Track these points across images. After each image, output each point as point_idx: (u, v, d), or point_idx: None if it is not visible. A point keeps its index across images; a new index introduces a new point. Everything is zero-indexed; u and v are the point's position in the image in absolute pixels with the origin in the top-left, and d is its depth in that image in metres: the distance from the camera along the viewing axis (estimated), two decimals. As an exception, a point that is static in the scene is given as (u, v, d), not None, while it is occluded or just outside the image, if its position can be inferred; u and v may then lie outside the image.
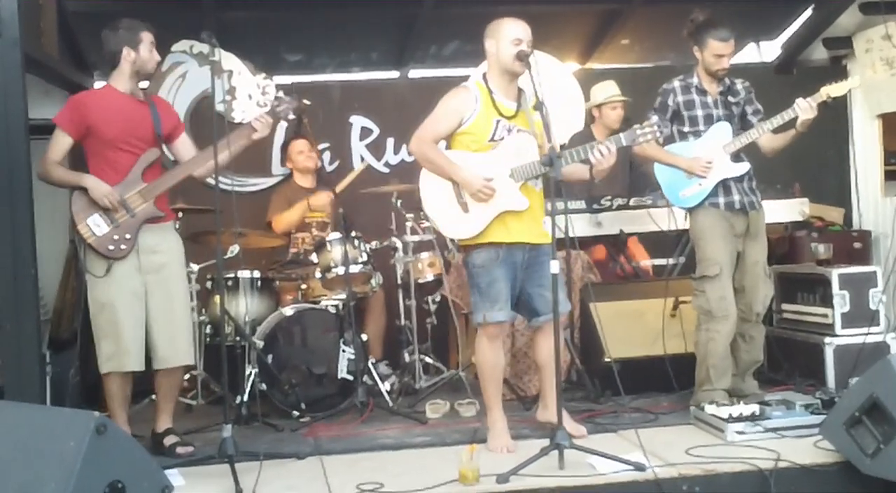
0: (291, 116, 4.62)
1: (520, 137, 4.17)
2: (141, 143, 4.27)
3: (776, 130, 4.63)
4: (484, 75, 4.25)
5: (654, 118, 4.63)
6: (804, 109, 4.48)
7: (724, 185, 4.64)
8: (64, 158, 4.29)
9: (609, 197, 5.56)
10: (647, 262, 5.89)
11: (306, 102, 4.91)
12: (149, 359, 4.27)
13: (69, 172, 4.29)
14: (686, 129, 4.73)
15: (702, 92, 4.71)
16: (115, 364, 4.21)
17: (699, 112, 4.70)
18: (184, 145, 4.46)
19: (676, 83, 4.74)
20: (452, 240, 5.32)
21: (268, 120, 4.32)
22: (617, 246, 5.79)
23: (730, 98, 4.72)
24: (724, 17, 4.78)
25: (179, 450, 4.26)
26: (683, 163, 4.66)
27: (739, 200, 4.65)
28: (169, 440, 4.32)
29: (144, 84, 4.75)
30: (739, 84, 4.78)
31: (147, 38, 4.29)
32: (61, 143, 4.24)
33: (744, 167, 4.67)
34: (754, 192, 4.73)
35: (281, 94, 4.52)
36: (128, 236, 4.20)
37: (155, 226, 4.28)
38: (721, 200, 4.64)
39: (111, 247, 4.18)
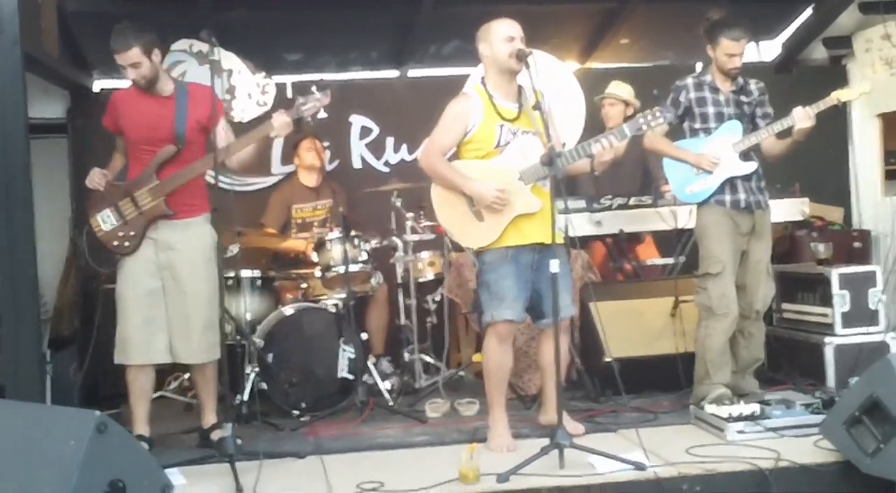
0: (322, 115, 4.24)
1: (525, 139, 4.17)
2: (162, 143, 4.24)
3: (779, 136, 4.63)
4: (482, 80, 4.24)
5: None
6: (800, 117, 4.48)
7: (731, 183, 4.63)
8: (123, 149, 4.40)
9: (609, 196, 5.55)
10: (653, 261, 5.86)
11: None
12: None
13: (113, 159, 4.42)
14: (697, 125, 4.72)
15: (714, 90, 4.70)
16: (121, 357, 4.27)
17: (710, 110, 4.69)
18: (220, 134, 4.26)
19: (690, 80, 4.74)
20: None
21: (285, 120, 4.15)
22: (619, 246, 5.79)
23: (742, 97, 4.71)
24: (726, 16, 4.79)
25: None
26: (692, 157, 4.65)
27: (745, 198, 4.64)
28: (216, 435, 4.26)
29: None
30: (753, 85, 4.77)
31: (127, 58, 4.11)
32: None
33: (751, 166, 4.65)
34: (762, 191, 4.72)
35: (314, 89, 4.21)
36: (132, 233, 4.21)
37: (177, 222, 4.24)
38: (727, 198, 4.63)
39: (115, 243, 4.21)
